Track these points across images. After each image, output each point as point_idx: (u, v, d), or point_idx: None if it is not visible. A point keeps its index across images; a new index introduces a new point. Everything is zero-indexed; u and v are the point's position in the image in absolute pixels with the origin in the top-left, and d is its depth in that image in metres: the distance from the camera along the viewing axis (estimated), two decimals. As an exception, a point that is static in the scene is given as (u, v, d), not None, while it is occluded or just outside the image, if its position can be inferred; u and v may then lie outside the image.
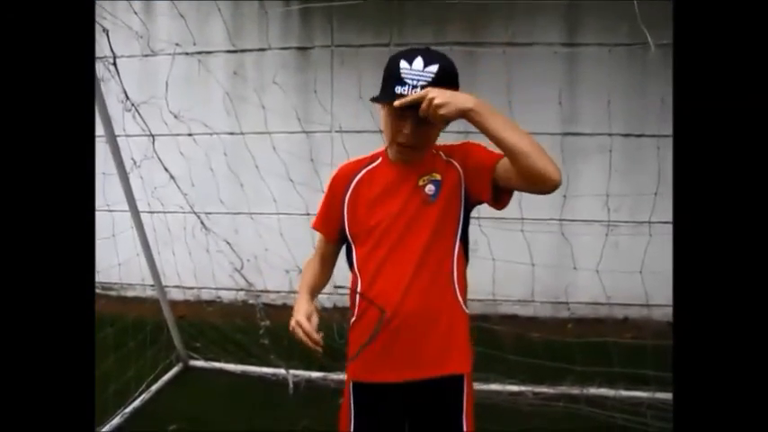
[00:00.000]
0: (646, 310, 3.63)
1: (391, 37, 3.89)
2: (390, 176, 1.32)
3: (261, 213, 3.65)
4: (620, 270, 2.92)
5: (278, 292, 4.13)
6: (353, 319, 1.37)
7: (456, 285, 1.32)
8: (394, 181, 1.31)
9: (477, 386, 2.85)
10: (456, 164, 1.31)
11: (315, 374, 2.97)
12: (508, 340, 3.03)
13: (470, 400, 1.35)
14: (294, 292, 3.97)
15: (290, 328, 1.25)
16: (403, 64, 1.18)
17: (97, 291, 4.44)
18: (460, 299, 1.33)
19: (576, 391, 2.77)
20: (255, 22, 4.02)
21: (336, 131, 3.82)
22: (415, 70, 1.17)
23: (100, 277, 3.79)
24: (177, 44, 3.42)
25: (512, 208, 3.25)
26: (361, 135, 3.69)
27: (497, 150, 1.19)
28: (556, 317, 3.92)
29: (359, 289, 1.33)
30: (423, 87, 1.15)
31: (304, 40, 4.03)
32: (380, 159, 1.37)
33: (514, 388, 2.84)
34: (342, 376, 2.91)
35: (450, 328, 1.33)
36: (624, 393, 2.71)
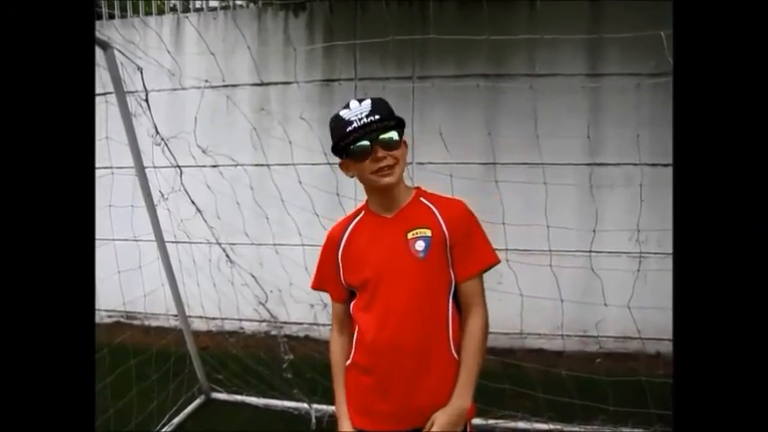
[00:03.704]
0: (679, 346, 3.49)
1: (414, 70, 3.94)
2: (376, 228, 1.36)
3: (285, 245, 3.66)
4: (651, 302, 2.82)
5: (300, 323, 4.11)
6: (349, 361, 1.42)
7: (452, 343, 1.33)
8: (380, 232, 1.34)
9: (504, 423, 2.77)
10: (441, 220, 1.33)
11: (337, 409, 2.91)
12: (535, 375, 2.94)
13: None
14: (317, 324, 3.97)
15: None
16: (342, 112, 1.29)
17: (122, 320, 4.48)
18: (455, 354, 1.34)
19: (608, 430, 2.66)
20: (281, 55, 4.12)
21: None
22: (354, 108, 1.27)
23: (125, 308, 3.83)
24: (206, 80, 3.51)
25: (539, 240, 3.18)
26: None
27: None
28: (584, 351, 3.81)
29: (355, 336, 1.39)
30: (366, 117, 1.25)
31: (328, 72, 4.10)
32: (363, 213, 1.42)
33: (543, 426, 2.74)
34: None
35: (442, 379, 1.33)
36: (660, 435, 2.60)
